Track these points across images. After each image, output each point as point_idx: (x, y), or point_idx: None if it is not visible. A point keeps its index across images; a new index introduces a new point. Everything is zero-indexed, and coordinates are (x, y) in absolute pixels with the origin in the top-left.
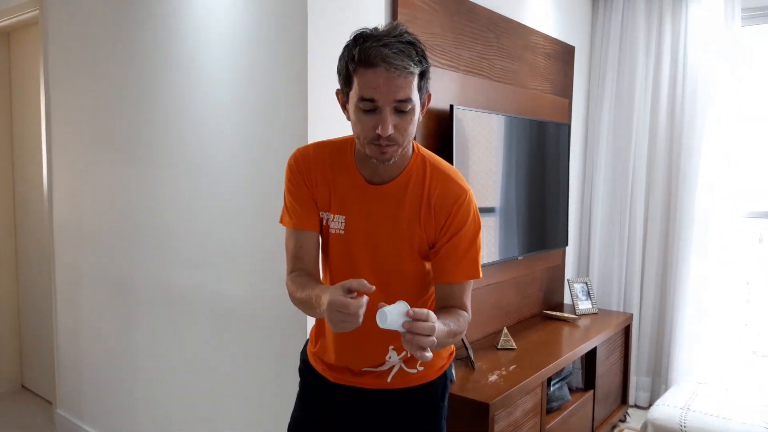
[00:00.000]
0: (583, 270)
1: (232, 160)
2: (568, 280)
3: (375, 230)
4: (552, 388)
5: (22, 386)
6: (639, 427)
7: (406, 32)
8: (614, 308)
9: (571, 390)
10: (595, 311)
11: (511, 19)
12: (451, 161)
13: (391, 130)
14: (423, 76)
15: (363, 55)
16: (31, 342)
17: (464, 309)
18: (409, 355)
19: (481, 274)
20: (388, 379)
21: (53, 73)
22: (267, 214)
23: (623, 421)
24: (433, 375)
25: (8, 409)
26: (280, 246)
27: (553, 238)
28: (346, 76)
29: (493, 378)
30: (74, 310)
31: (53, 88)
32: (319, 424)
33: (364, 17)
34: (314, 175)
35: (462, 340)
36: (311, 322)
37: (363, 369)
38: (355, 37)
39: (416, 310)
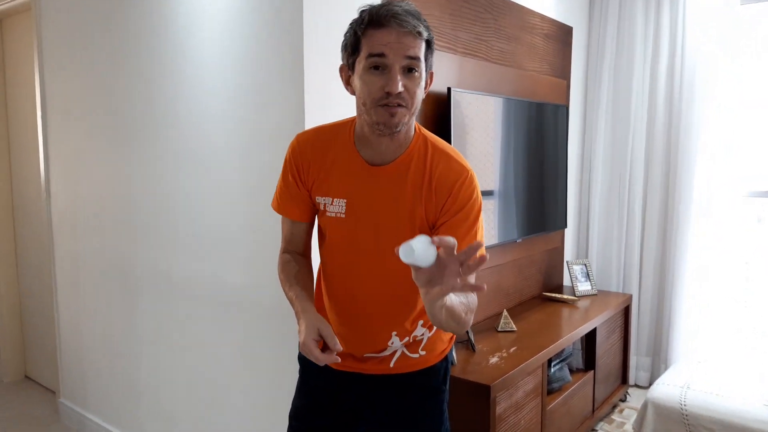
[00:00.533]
0: (582, 252)
1: (231, 147)
2: (567, 261)
3: (377, 212)
4: (552, 369)
5: (26, 376)
6: (639, 406)
7: (413, 6)
8: (613, 289)
9: (571, 371)
10: (594, 292)
11: (509, 0)
12: (449, 143)
13: (401, 88)
14: (429, 46)
15: (374, 15)
16: (33, 332)
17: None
18: (410, 341)
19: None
20: (391, 365)
21: (47, 60)
22: (267, 201)
23: (624, 400)
24: (434, 359)
25: (12, 399)
26: (280, 233)
27: (552, 220)
28: (354, 43)
29: (493, 360)
30: (75, 300)
31: (48, 75)
32: (324, 411)
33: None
34: (310, 162)
35: None
36: None
37: (365, 355)
38: (361, 11)
39: (442, 237)
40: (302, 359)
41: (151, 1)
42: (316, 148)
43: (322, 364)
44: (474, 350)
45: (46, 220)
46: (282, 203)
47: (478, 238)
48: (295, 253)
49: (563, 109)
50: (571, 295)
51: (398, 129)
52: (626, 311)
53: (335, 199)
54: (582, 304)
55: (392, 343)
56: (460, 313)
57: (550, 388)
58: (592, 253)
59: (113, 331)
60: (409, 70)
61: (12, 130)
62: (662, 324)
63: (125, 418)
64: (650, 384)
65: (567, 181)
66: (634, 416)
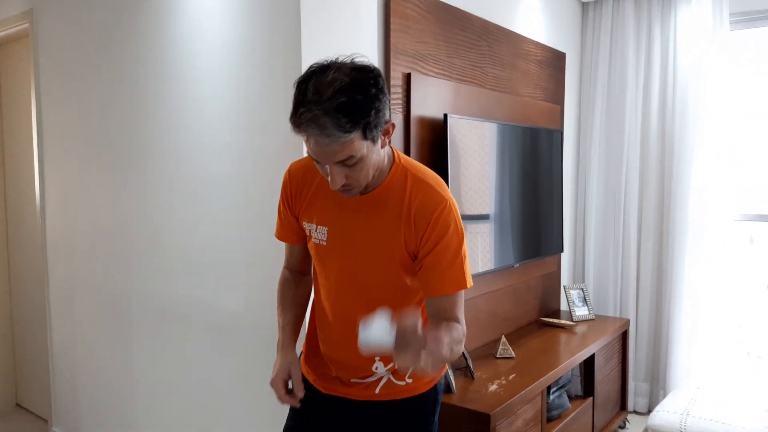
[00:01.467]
0: (579, 276)
1: (227, 172)
2: (564, 286)
3: (357, 240)
4: (552, 396)
5: (17, 404)
6: None
7: (342, 89)
8: (611, 314)
9: (570, 397)
10: (591, 317)
11: (503, 27)
12: (445, 169)
13: (341, 181)
14: (367, 128)
15: (295, 123)
16: (25, 359)
17: (457, 322)
18: (396, 367)
19: (469, 284)
20: (376, 391)
21: (44, 86)
22: (262, 226)
23: (623, 427)
24: (422, 388)
25: (3, 428)
26: (275, 258)
27: (548, 244)
28: None
29: (493, 387)
30: (69, 326)
31: (44, 101)
32: None
33: (357, 29)
34: (298, 190)
35: None
36: (303, 334)
37: (351, 380)
38: (297, 86)
39: (403, 320)
40: None
41: (147, 31)
42: (305, 176)
43: (282, 404)
44: (473, 378)
45: (41, 246)
46: (279, 228)
47: (465, 268)
48: (295, 271)
49: (558, 134)
50: (569, 320)
51: (358, 194)
52: (624, 336)
53: (318, 226)
54: (580, 329)
55: (377, 369)
56: (442, 357)
57: (550, 416)
58: (588, 277)
59: (107, 358)
60: (347, 164)
61: (7, 157)
62: (660, 349)
63: None
64: (649, 410)
65: (562, 206)
66: None
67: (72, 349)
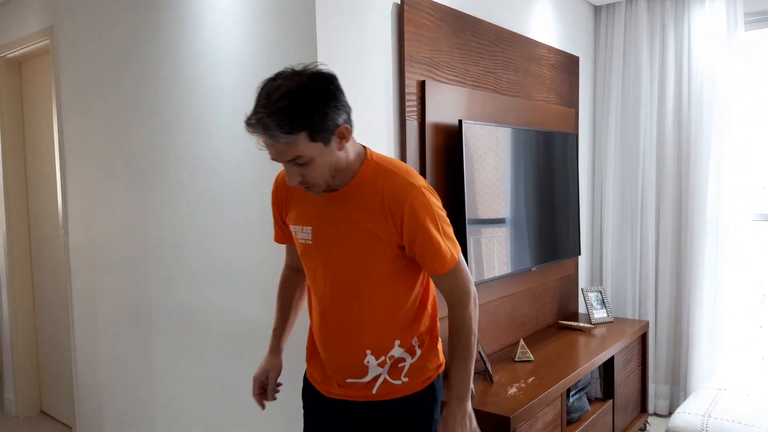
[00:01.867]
0: (597, 278)
1: (245, 182)
2: (582, 289)
3: (338, 236)
4: (571, 399)
5: (41, 411)
6: None
7: (286, 94)
8: (629, 316)
9: (590, 400)
10: (610, 320)
11: (516, 33)
12: (461, 174)
13: (297, 179)
14: (313, 131)
15: (246, 124)
16: (49, 367)
17: (463, 294)
18: (389, 363)
19: (457, 254)
20: (374, 391)
21: (65, 101)
22: None
23: (643, 429)
24: (418, 386)
25: None
26: None
27: (565, 247)
28: None
29: (512, 391)
30: (92, 335)
31: (65, 116)
32: None
33: (372, 41)
34: (285, 196)
35: (479, 353)
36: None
37: (348, 380)
38: (257, 91)
39: None
40: (303, 390)
41: (166, 44)
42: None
43: (260, 403)
44: (492, 381)
45: (64, 257)
46: (275, 233)
47: (450, 244)
48: (294, 269)
49: (572, 137)
50: (587, 323)
51: (323, 192)
52: (643, 338)
53: (303, 227)
54: (598, 331)
55: (368, 362)
56: (468, 373)
57: (570, 419)
58: (606, 279)
59: (129, 365)
60: (299, 164)
61: (30, 170)
62: (680, 350)
63: None
64: (670, 412)
65: (579, 208)
66: None
67: (95, 356)
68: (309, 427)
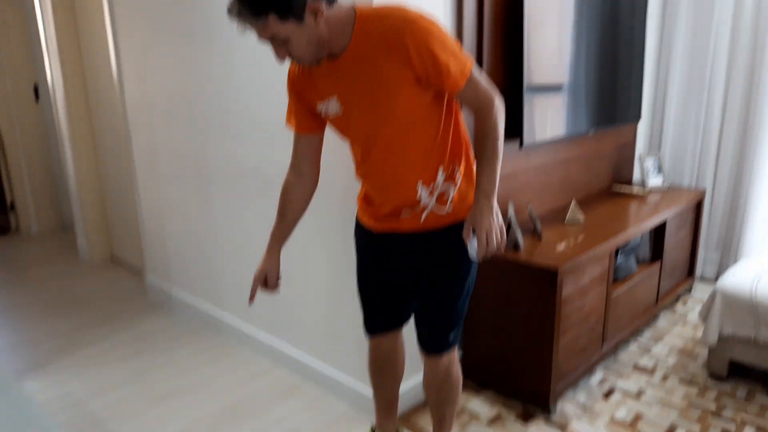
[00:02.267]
0: (655, 146)
1: None
2: (639, 155)
3: (363, 92)
4: (619, 259)
5: (113, 255)
6: (706, 297)
7: None
8: (686, 184)
9: (638, 261)
10: (665, 187)
11: None
12: (521, 37)
13: (283, 55)
14: (279, 12)
15: (227, 12)
16: (117, 216)
17: (486, 99)
18: (437, 191)
19: (470, 66)
20: (421, 220)
21: None
22: None
23: (689, 291)
24: (462, 213)
25: (108, 277)
26: None
27: (625, 111)
28: None
29: (561, 247)
30: (154, 186)
31: None
32: (377, 268)
33: None
34: (303, 82)
35: (529, 212)
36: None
37: (401, 213)
38: None
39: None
40: (355, 231)
41: None
42: (302, 68)
43: (250, 299)
44: (540, 239)
45: (122, 115)
46: (287, 116)
47: (458, 54)
48: (298, 173)
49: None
50: (642, 190)
51: (319, 60)
52: (698, 206)
53: (329, 99)
54: (652, 198)
55: (420, 195)
56: (495, 173)
57: (616, 277)
58: (665, 146)
59: (190, 212)
60: (279, 42)
61: (81, 29)
62: (735, 220)
63: (207, 289)
64: (717, 277)
65: (642, 73)
66: (697, 308)
67: (158, 206)
68: (360, 255)
